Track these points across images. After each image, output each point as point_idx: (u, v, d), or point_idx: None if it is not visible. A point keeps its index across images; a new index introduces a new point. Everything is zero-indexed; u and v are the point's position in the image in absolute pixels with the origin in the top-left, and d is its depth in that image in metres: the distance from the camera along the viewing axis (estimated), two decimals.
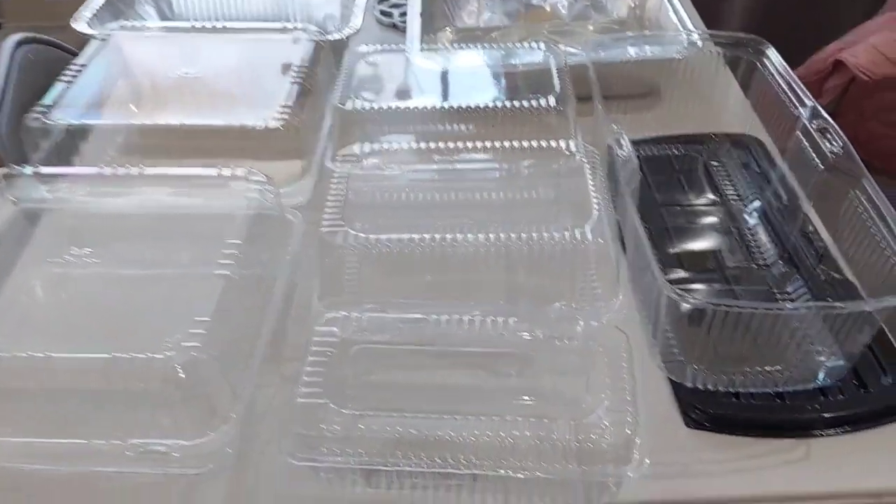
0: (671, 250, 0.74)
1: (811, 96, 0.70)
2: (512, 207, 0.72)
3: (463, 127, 0.80)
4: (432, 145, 0.74)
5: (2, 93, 1.10)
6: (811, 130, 0.68)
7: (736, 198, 0.80)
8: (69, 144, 0.75)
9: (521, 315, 0.59)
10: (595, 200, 0.65)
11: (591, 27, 1.14)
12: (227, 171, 0.68)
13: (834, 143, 0.65)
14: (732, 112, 0.87)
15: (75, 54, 0.89)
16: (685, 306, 0.53)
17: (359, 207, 0.70)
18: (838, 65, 1.31)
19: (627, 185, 0.63)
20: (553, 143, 0.73)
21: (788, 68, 0.75)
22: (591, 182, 0.68)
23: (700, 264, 0.72)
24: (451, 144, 0.74)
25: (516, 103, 0.78)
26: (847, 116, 1.36)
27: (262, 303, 0.63)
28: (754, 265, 0.72)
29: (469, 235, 0.63)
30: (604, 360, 0.57)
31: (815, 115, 0.69)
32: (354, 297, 0.64)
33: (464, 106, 0.79)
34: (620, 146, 0.65)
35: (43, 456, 0.52)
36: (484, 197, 0.73)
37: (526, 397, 0.57)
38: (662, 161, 0.86)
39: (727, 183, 0.82)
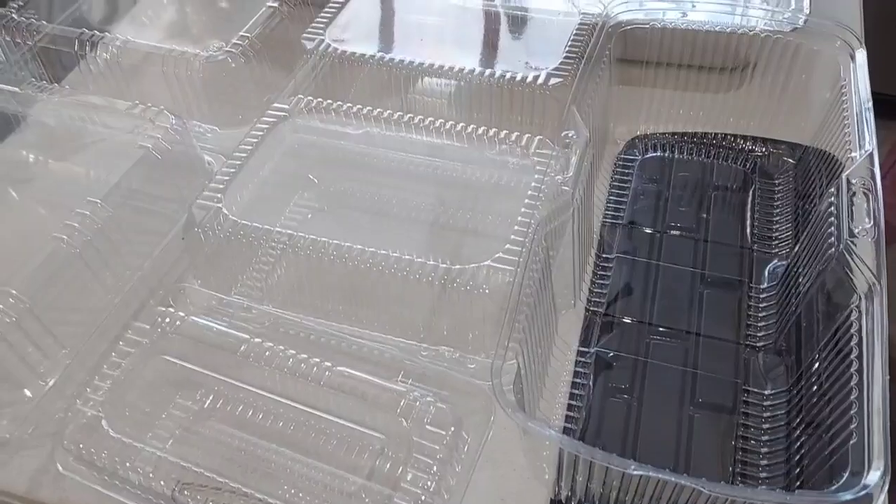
0: (645, 292, 0.58)
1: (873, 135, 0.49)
2: (461, 205, 0.60)
3: (439, 89, 0.67)
4: (387, 112, 0.62)
5: None
6: (846, 188, 0.47)
7: (766, 242, 0.61)
8: (34, 48, 0.71)
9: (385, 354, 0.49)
10: (517, 228, 0.51)
11: None
12: (140, 107, 0.61)
13: (867, 217, 0.45)
14: (813, 122, 0.65)
15: None
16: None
17: (284, 175, 0.61)
18: None
19: (546, 222, 0.47)
20: (514, 136, 0.58)
21: (865, 85, 0.53)
22: (526, 200, 0.53)
23: (671, 321, 0.56)
24: (410, 113, 0.62)
25: (499, 73, 0.63)
26: None
27: (130, 261, 0.57)
28: (740, 343, 0.55)
29: (347, 245, 0.52)
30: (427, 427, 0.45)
31: (866, 168, 0.48)
32: (250, 292, 0.56)
33: (445, 67, 0.65)
34: (562, 165, 0.49)
35: None
36: (436, 178, 0.61)
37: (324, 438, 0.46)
38: (696, 168, 0.67)
39: (765, 218, 0.62)
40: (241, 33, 0.67)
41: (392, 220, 0.64)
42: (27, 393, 0.50)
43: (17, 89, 0.62)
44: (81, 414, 0.46)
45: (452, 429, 0.43)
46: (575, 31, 0.65)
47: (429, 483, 0.41)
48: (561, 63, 0.62)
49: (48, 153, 0.61)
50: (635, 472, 0.36)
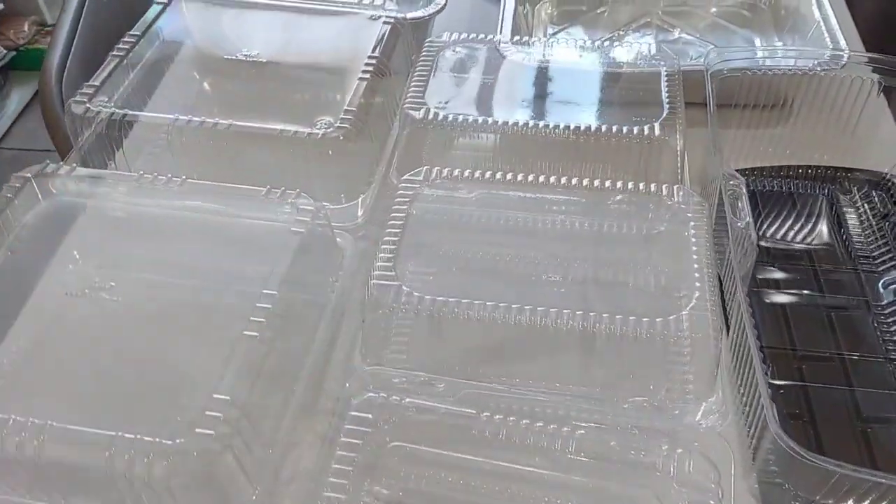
0: (778, 320, 0.62)
1: None
2: (596, 256, 0.62)
3: (552, 147, 0.69)
4: (510, 175, 0.64)
5: (70, 37, 1.05)
6: None
7: (868, 260, 0.67)
8: (113, 136, 0.68)
9: (593, 413, 0.50)
10: (696, 277, 0.54)
11: (713, 10, 0.99)
12: (276, 192, 0.60)
13: None
14: (879, 148, 0.72)
15: None
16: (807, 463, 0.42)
17: (417, 246, 0.61)
18: None
19: (739, 268, 0.51)
20: (652, 187, 0.61)
21: None
22: (693, 247, 0.56)
23: (813, 345, 0.61)
24: (532, 175, 0.64)
25: (615, 128, 0.66)
26: None
27: (301, 350, 0.56)
28: (881, 358, 0.60)
29: (541, 308, 0.53)
30: (692, 477, 0.47)
31: None
32: (399, 358, 0.56)
33: (552, 126, 0.68)
34: (738, 212, 0.53)
35: None
36: (565, 234, 0.63)
37: None
38: (780, 199, 0.73)
39: (859, 238, 0.69)
40: (346, 107, 0.67)
41: (531, 280, 0.64)
42: (248, 497, 0.48)
43: (148, 180, 0.60)
44: None
45: (712, 475, 0.45)
46: (666, 82, 0.70)
47: None
48: (667, 114, 0.67)
49: (209, 242, 0.59)
50: None
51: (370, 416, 0.49)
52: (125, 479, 0.45)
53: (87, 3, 1.09)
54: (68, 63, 1.03)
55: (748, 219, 0.53)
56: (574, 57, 0.79)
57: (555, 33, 0.97)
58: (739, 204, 0.54)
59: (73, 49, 1.03)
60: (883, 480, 0.42)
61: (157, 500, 0.46)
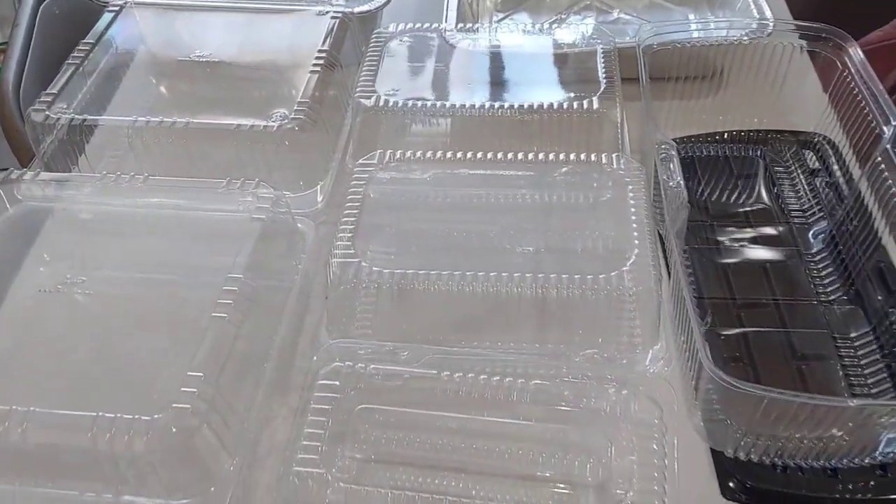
0: (718, 273, 0.67)
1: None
2: (546, 226, 0.65)
3: (499, 127, 0.72)
4: (460, 154, 0.67)
5: (24, 51, 1.06)
6: (892, 154, 0.58)
7: (800, 213, 0.71)
8: (75, 141, 0.70)
9: (549, 368, 0.54)
10: (636, 236, 0.58)
11: None
12: (235, 183, 0.63)
13: None
14: (805, 109, 0.77)
15: (105, 4, 0.83)
16: (733, 390, 0.46)
17: (376, 227, 0.64)
18: None
19: (673, 224, 0.55)
20: (593, 157, 0.65)
21: (871, 72, 0.65)
22: (632, 209, 0.60)
23: (751, 293, 0.65)
24: (481, 153, 0.67)
25: (555, 104, 0.70)
26: None
27: (269, 331, 0.59)
28: (814, 301, 0.64)
29: (494, 274, 0.57)
30: (637, 415, 0.51)
31: None
32: (365, 333, 0.60)
33: (497, 106, 0.71)
34: (669, 174, 0.57)
35: None
36: (516, 207, 0.66)
37: (544, 455, 0.51)
38: (716, 163, 0.77)
39: (791, 194, 0.73)
40: (299, 99, 0.70)
41: (487, 252, 0.67)
42: (226, 469, 0.51)
43: (112, 179, 0.62)
44: (305, 475, 0.48)
45: (656, 412, 0.49)
46: (602, 60, 0.74)
47: (655, 460, 0.47)
48: (605, 89, 0.71)
49: (174, 237, 0.61)
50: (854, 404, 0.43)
51: (337, 383, 0.52)
52: (108, 457, 0.48)
53: (38, 17, 1.10)
54: (24, 77, 1.04)
55: (679, 178, 0.57)
56: (518, 41, 0.82)
57: (500, 20, 1.01)
58: (671, 166, 0.58)
59: (28, 62, 1.04)
60: (808, 401, 0.46)
61: (140, 475, 0.48)
